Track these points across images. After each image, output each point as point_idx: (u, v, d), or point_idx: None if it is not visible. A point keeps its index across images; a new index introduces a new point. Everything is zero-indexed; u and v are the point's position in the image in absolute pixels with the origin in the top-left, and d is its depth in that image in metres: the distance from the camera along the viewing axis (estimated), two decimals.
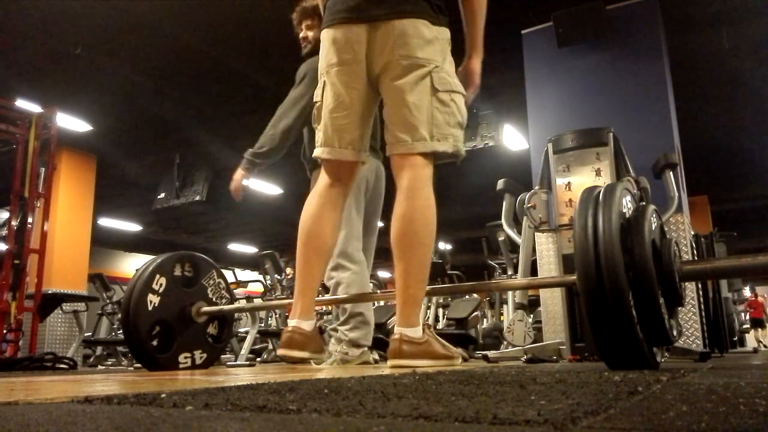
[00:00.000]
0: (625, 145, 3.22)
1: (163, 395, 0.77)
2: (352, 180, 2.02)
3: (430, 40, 1.79)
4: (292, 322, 1.90)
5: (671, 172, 3.51)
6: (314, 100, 1.97)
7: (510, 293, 4.00)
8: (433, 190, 1.81)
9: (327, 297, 2.65)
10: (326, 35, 1.90)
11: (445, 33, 1.86)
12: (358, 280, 2.63)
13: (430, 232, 1.77)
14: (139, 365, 2.92)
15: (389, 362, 1.78)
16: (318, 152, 1.93)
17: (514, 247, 4.56)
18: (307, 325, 1.91)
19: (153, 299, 2.43)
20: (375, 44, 1.81)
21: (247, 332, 4.72)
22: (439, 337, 1.87)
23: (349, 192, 2.04)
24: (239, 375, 1.65)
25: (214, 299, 2.65)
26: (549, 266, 3.68)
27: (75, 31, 5.42)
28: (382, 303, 4.65)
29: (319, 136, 1.93)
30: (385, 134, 1.87)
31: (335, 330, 2.75)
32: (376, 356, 2.83)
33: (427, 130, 1.76)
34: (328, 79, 1.90)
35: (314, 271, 1.94)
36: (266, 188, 10.05)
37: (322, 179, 1.97)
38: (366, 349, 2.67)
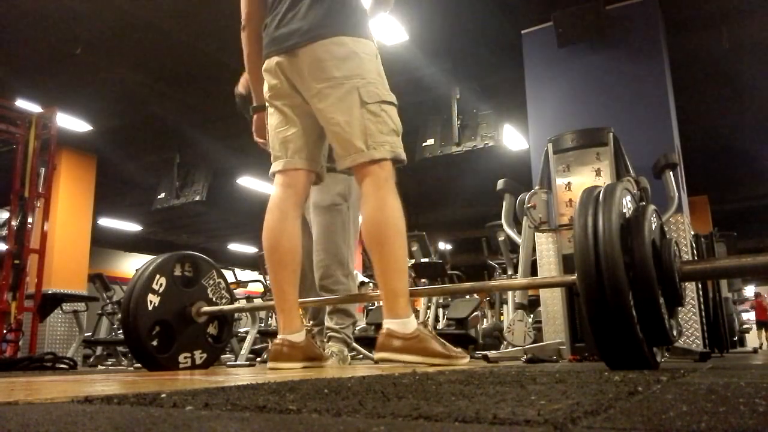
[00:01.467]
0: (625, 145, 3.22)
1: (163, 395, 0.77)
2: (306, 190, 2.06)
3: (346, 56, 1.85)
4: (280, 336, 1.92)
5: (671, 172, 3.51)
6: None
7: (510, 293, 4.00)
8: (392, 189, 1.85)
9: (322, 297, 2.65)
10: (264, 69, 2.03)
11: (367, 46, 1.91)
12: (348, 290, 2.80)
13: (393, 226, 1.80)
14: (139, 365, 2.92)
15: (375, 356, 1.78)
16: (272, 168, 2.02)
17: (514, 247, 4.56)
18: (296, 337, 1.93)
19: (153, 299, 2.43)
20: (295, 74, 1.91)
21: (247, 332, 4.72)
22: (437, 336, 1.86)
23: (303, 202, 2.07)
24: (239, 375, 1.65)
25: (214, 299, 2.65)
26: (549, 266, 3.68)
27: (75, 31, 5.42)
28: (379, 304, 4.64)
29: (272, 157, 2.03)
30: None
31: (336, 331, 2.77)
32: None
33: (362, 141, 1.83)
34: (269, 107, 2.04)
35: (285, 286, 1.95)
36: (266, 188, 10.05)
37: (276, 193, 2.01)
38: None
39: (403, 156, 1.90)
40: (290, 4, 1.93)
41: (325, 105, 1.86)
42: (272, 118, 2.04)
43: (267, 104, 2.06)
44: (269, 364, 1.92)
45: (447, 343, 1.87)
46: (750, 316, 13.36)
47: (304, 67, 1.88)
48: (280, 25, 1.95)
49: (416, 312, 5.21)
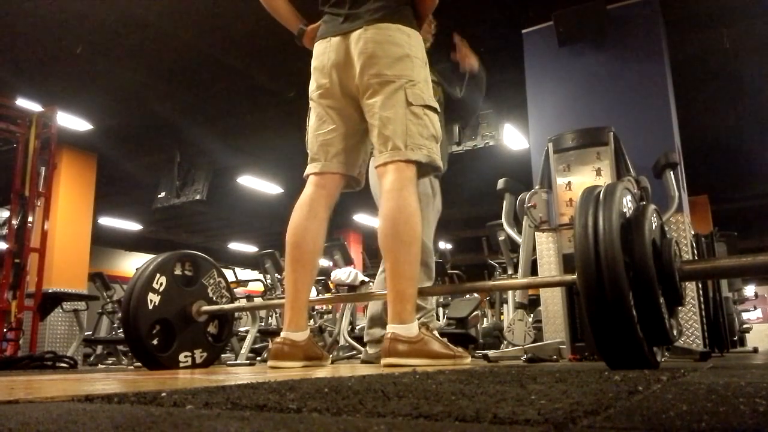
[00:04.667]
0: (625, 144, 3.22)
1: (163, 394, 0.77)
2: (337, 193, 2.07)
3: (399, 57, 1.87)
4: (282, 334, 1.92)
5: (672, 172, 3.51)
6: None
7: (510, 293, 4.00)
8: (415, 192, 1.86)
9: (325, 296, 2.65)
10: (313, 61, 2.03)
11: (420, 49, 1.94)
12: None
13: (411, 229, 1.79)
14: (139, 364, 2.92)
15: (382, 361, 1.77)
16: (309, 170, 2.03)
17: (514, 247, 4.56)
18: (298, 336, 1.92)
19: (153, 298, 2.43)
20: (347, 67, 1.92)
21: (247, 331, 4.72)
22: (440, 338, 1.86)
23: (332, 204, 2.08)
24: (239, 374, 1.65)
25: (214, 298, 2.65)
26: (549, 266, 3.68)
27: (75, 31, 5.42)
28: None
29: (309, 158, 2.05)
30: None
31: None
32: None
33: (401, 140, 1.84)
34: (312, 105, 2.05)
35: (299, 283, 1.96)
36: (266, 187, 10.05)
37: (307, 191, 2.02)
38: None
39: (439, 163, 1.92)
40: None
41: (373, 101, 1.88)
42: (313, 118, 2.04)
43: (310, 102, 2.07)
44: (269, 363, 1.92)
45: (449, 344, 1.87)
46: (751, 316, 13.35)
47: (358, 64, 1.89)
48: (342, 4, 1.97)
49: None
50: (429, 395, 0.73)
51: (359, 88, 1.91)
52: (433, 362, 1.74)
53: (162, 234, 13.67)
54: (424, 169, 1.92)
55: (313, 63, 2.01)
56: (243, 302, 3.94)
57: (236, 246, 15.02)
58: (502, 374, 1.17)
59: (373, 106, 1.88)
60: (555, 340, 3.30)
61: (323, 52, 1.98)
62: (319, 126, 2.02)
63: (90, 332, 6.92)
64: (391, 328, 1.75)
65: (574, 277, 1.41)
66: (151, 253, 7.70)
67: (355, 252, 9.88)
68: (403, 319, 1.75)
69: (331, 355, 2.81)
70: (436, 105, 1.94)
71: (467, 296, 5.32)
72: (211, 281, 2.66)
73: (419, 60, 1.93)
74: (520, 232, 3.52)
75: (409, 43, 1.91)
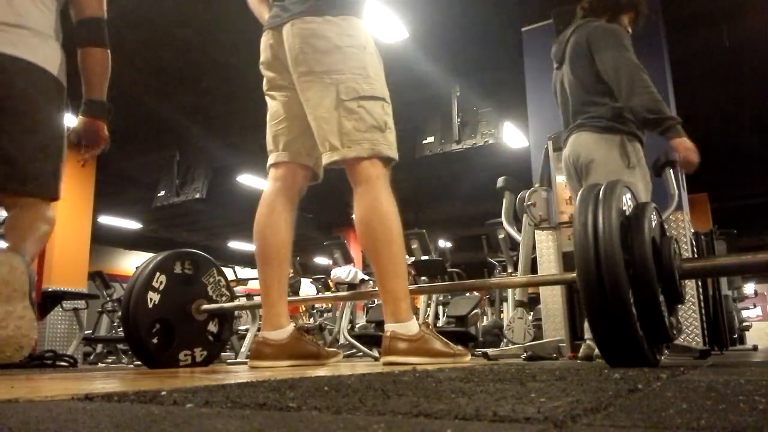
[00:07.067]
0: None
1: (163, 393, 0.77)
2: (298, 184, 2.02)
3: (327, 50, 1.79)
4: (261, 333, 1.91)
5: (671, 170, 3.50)
6: None
7: (510, 291, 4.00)
8: (384, 187, 1.78)
9: (324, 295, 2.65)
10: (261, 60, 2.02)
11: (354, 37, 1.82)
12: None
13: (388, 228, 1.75)
14: (139, 363, 2.92)
15: (382, 360, 1.76)
16: (267, 163, 2.02)
17: (514, 245, 4.56)
18: (275, 335, 1.89)
19: (153, 297, 2.43)
20: (284, 60, 1.88)
21: (247, 330, 4.72)
22: (439, 336, 1.85)
23: (295, 196, 2.02)
24: (239, 372, 1.65)
25: (214, 297, 2.65)
26: (549, 264, 3.68)
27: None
28: (379, 302, 4.65)
29: (268, 151, 2.03)
30: None
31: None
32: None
33: (337, 139, 1.77)
34: (267, 98, 2.04)
35: (267, 279, 1.94)
36: (266, 186, 10.04)
37: (267, 187, 2.01)
38: None
39: (387, 152, 1.80)
40: None
41: (307, 98, 1.84)
42: (269, 111, 2.04)
43: (265, 95, 2.05)
44: (249, 363, 1.90)
45: (449, 342, 1.86)
46: (751, 314, 13.37)
47: (288, 51, 1.85)
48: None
49: (416, 310, 5.21)
50: (429, 393, 0.73)
51: (295, 83, 1.88)
52: (433, 360, 1.73)
53: (162, 232, 13.67)
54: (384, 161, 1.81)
55: (260, 57, 2.01)
56: (243, 301, 3.94)
57: (236, 244, 15.03)
58: (502, 372, 1.17)
59: (308, 105, 1.84)
60: (555, 338, 3.30)
61: (264, 45, 1.98)
62: (270, 118, 2.01)
63: (90, 331, 6.92)
64: (390, 327, 1.74)
65: (574, 275, 1.41)
66: (151, 251, 7.70)
67: (355, 250, 9.87)
68: (399, 318, 1.74)
69: (341, 352, 2.76)
70: (378, 92, 1.82)
71: (467, 294, 5.32)
72: (211, 280, 2.66)
73: (353, 48, 1.81)
74: (519, 231, 3.52)
75: (339, 33, 1.80)
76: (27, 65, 1.62)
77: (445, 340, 1.85)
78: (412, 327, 1.74)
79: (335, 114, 1.77)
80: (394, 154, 1.82)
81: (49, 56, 1.70)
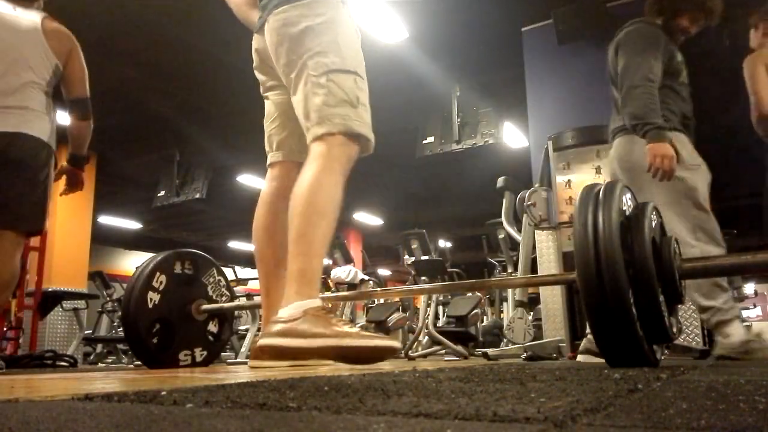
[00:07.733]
0: None
1: (163, 393, 0.77)
2: (294, 183, 1.94)
3: (298, 36, 1.71)
4: (260, 334, 1.88)
5: None
6: None
7: (510, 291, 4.00)
8: (335, 168, 1.60)
9: (324, 295, 2.65)
10: (254, 65, 2.04)
11: (321, 15, 1.70)
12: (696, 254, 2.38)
13: (312, 204, 1.56)
14: (139, 363, 2.92)
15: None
16: (267, 162, 2.02)
17: (514, 245, 4.56)
18: None
19: (153, 297, 2.43)
20: (271, 61, 1.86)
21: (247, 330, 4.72)
22: (343, 319, 1.50)
23: (290, 194, 1.94)
24: (239, 372, 1.65)
25: (214, 297, 2.65)
26: (549, 264, 3.68)
27: (74, 30, 5.40)
28: (381, 300, 4.66)
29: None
30: None
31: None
32: None
33: (311, 119, 1.65)
34: (263, 97, 2.04)
35: (268, 281, 1.92)
36: (263, 187, 10.03)
37: (263, 188, 2.01)
38: None
39: (359, 129, 1.62)
40: None
41: (292, 90, 1.77)
42: (265, 112, 2.06)
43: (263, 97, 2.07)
44: (249, 363, 1.88)
45: (358, 328, 1.42)
46: (751, 314, 13.37)
47: (271, 50, 1.82)
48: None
49: (416, 310, 5.22)
50: (429, 393, 0.73)
51: (283, 80, 1.83)
52: (304, 342, 1.33)
53: (162, 232, 13.66)
54: (357, 141, 1.65)
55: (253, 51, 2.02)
56: (243, 301, 3.94)
57: (236, 244, 15.02)
58: (502, 372, 1.17)
59: (292, 96, 1.77)
60: (555, 338, 3.30)
61: (253, 50, 2.00)
62: (266, 119, 2.03)
63: (90, 331, 6.92)
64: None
65: (574, 275, 1.41)
66: (151, 251, 7.70)
67: (355, 250, 9.87)
68: (288, 300, 1.46)
69: None
70: (349, 66, 1.68)
71: (467, 294, 5.32)
72: (211, 280, 2.66)
73: (324, 24, 1.70)
74: (519, 231, 3.53)
75: (308, 14, 1.71)
76: (28, 137, 2.44)
77: (348, 322, 1.46)
78: (298, 307, 1.43)
79: (308, 92, 1.67)
80: (367, 132, 1.66)
81: (43, 129, 2.53)
